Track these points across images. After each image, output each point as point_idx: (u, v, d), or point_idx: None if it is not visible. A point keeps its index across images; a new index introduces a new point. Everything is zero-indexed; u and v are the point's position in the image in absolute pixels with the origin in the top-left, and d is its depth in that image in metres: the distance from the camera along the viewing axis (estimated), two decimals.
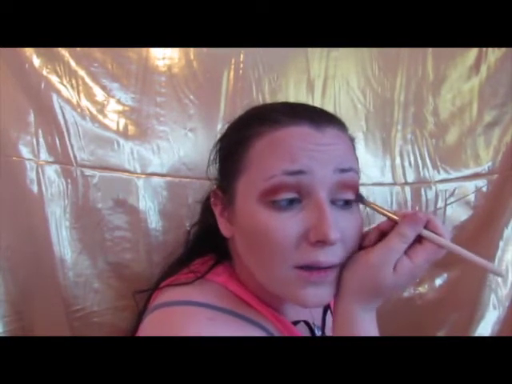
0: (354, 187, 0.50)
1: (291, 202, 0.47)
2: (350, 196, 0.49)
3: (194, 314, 0.49)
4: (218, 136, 0.61)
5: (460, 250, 0.48)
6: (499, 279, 0.90)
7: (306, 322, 0.59)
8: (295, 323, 0.57)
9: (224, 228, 0.55)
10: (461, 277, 0.91)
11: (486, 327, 0.89)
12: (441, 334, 0.91)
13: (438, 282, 0.91)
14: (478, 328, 0.89)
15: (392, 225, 0.50)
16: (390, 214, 0.51)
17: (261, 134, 0.49)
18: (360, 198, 0.52)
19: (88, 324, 0.78)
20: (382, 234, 0.51)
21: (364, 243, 0.51)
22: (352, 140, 0.55)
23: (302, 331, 0.58)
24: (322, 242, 0.45)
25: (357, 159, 0.54)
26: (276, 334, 0.54)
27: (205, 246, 0.62)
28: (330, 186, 0.47)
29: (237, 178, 0.51)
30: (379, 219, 0.87)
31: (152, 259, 0.79)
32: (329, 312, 0.64)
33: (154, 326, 0.51)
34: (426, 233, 0.48)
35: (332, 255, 0.47)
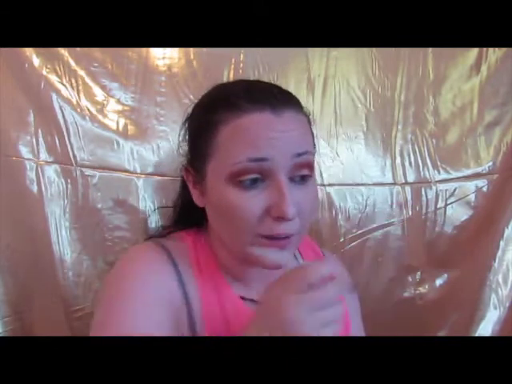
0: (310, 165, 0.56)
1: (255, 181, 0.53)
2: (306, 172, 0.55)
3: (144, 247, 0.60)
4: (186, 115, 0.64)
5: None
6: (500, 279, 0.90)
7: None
8: (245, 299, 0.60)
9: (197, 199, 0.61)
10: (461, 277, 0.91)
11: (486, 327, 0.89)
12: (441, 333, 0.91)
13: (439, 281, 0.91)
14: (478, 328, 0.89)
15: None
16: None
17: (226, 120, 0.54)
18: None
19: (88, 324, 0.77)
20: None
21: None
22: (307, 116, 0.60)
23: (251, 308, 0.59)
24: (282, 218, 0.52)
25: (312, 134, 0.59)
26: (194, 293, 0.57)
27: (187, 218, 0.67)
28: (289, 168, 0.53)
29: (206, 160, 0.56)
30: (379, 219, 0.88)
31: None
32: None
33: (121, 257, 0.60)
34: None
35: (290, 227, 0.53)
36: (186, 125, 0.64)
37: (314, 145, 0.60)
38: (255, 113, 0.53)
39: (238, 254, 0.58)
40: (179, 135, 0.66)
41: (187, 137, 0.64)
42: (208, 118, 0.57)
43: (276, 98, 0.55)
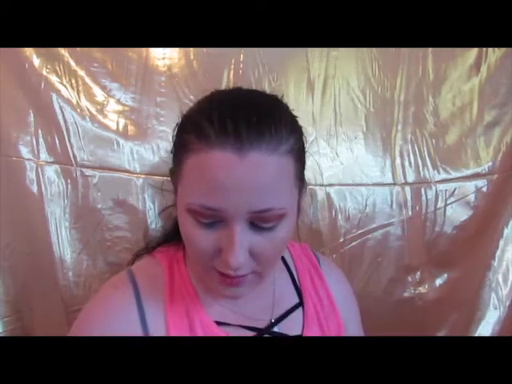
0: (277, 218, 0.50)
1: (211, 222, 0.50)
2: (269, 225, 0.50)
3: (116, 281, 0.60)
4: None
5: None
6: (500, 278, 0.90)
7: (252, 328, 0.60)
8: (220, 323, 0.58)
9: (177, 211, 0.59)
10: (461, 277, 0.91)
11: (486, 327, 0.89)
12: (441, 333, 0.91)
13: (438, 281, 0.91)
14: (478, 328, 0.89)
15: None
16: None
17: (193, 150, 0.50)
18: None
19: None
20: None
21: None
22: (291, 151, 0.51)
23: (233, 330, 0.58)
24: (228, 266, 0.50)
25: (297, 172, 0.52)
26: (159, 326, 0.56)
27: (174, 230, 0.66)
28: (246, 218, 0.49)
29: (176, 179, 0.55)
30: (379, 219, 0.88)
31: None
32: (301, 311, 0.63)
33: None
34: None
35: (242, 270, 0.51)
36: (175, 131, 0.59)
37: (303, 178, 0.55)
38: (218, 150, 0.48)
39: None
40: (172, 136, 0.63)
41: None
42: (182, 138, 0.53)
43: (246, 132, 0.48)
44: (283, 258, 0.67)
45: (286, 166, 0.51)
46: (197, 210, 0.49)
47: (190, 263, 0.60)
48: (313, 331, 0.62)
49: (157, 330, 0.55)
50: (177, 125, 0.59)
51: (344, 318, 0.66)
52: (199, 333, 0.56)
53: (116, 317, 0.56)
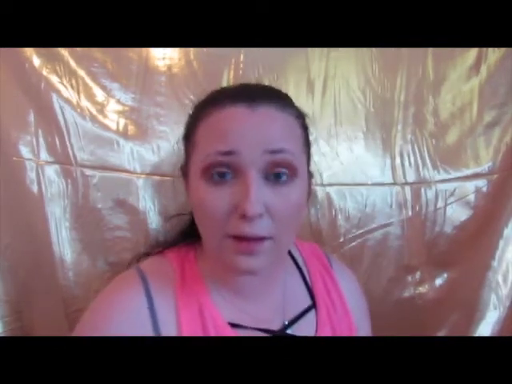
0: (288, 165, 0.52)
1: (224, 176, 0.51)
2: (282, 171, 0.52)
3: (123, 279, 0.58)
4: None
5: None
6: (499, 279, 0.90)
7: (265, 330, 0.58)
8: (233, 325, 0.56)
9: (188, 201, 0.59)
10: (461, 277, 0.91)
11: (486, 327, 0.89)
12: (441, 334, 0.91)
13: (438, 281, 0.91)
14: (478, 328, 0.89)
15: None
16: None
17: (204, 116, 0.54)
18: None
19: None
20: None
21: None
22: (299, 118, 0.57)
23: (243, 331, 0.57)
24: (244, 217, 0.49)
25: (303, 139, 0.57)
26: (165, 317, 0.54)
27: (187, 231, 0.65)
28: (261, 165, 0.51)
29: (189, 157, 0.56)
30: (379, 219, 0.88)
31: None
32: (313, 313, 0.62)
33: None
34: None
35: (258, 228, 0.50)
36: (186, 123, 0.63)
37: (309, 150, 0.58)
38: (230, 107, 0.52)
39: (216, 261, 0.56)
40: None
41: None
42: (191, 117, 0.58)
43: (256, 93, 0.54)
44: (293, 258, 0.66)
45: (293, 126, 0.55)
46: (212, 160, 0.51)
47: (204, 245, 0.58)
48: (326, 334, 0.60)
49: (168, 328, 0.54)
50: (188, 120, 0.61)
51: (356, 323, 0.65)
52: (212, 333, 0.55)
53: (125, 314, 0.54)
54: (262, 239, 0.51)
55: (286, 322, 0.60)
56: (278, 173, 0.52)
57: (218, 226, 0.51)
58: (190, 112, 0.62)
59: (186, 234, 0.66)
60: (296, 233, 0.57)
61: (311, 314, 0.62)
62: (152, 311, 0.54)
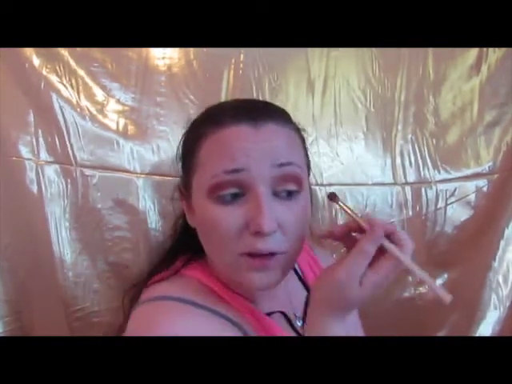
0: (296, 179, 0.53)
1: (234, 196, 0.51)
2: (291, 187, 0.53)
3: (170, 309, 0.54)
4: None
5: (414, 269, 0.49)
6: (500, 279, 0.90)
7: (283, 313, 0.61)
8: (270, 314, 0.59)
9: (190, 220, 0.59)
10: (461, 277, 0.91)
11: (486, 327, 0.89)
12: (441, 334, 0.91)
13: (438, 282, 0.91)
14: (478, 328, 0.89)
15: (359, 227, 0.52)
16: (359, 220, 0.52)
17: (207, 135, 0.54)
18: (332, 197, 0.55)
19: (88, 324, 0.78)
20: (350, 230, 0.54)
21: (330, 236, 0.55)
22: (299, 132, 0.58)
23: (279, 322, 0.60)
24: (259, 233, 0.50)
25: (304, 151, 0.58)
26: (248, 328, 0.56)
27: (186, 242, 0.65)
28: (270, 180, 0.51)
29: (191, 175, 0.56)
30: (379, 218, 0.88)
31: (152, 259, 0.78)
32: None
33: (134, 321, 0.55)
34: (386, 245, 0.49)
35: (271, 243, 0.51)
36: (180, 144, 0.63)
37: (309, 161, 0.59)
38: (233, 126, 0.52)
39: (230, 278, 0.56)
40: (175, 157, 0.65)
41: (179, 156, 0.63)
42: (193, 134, 0.57)
43: (257, 111, 0.54)
44: None
45: (296, 140, 0.56)
46: (220, 180, 0.51)
47: (217, 267, 0.58)
48: None
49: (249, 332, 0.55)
50: (182, 137, 0.62)
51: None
52: (260, 326, 0.56)
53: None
54: (274, 254, 0.52)
55: (297, 315, 0.63)
56: (286, 189, 0.52)
57: (231, 245, 0.51)
58: (184, 133, 0.62)
59: (182, 243, 0.67)
60: (303, 244, 0.58)
61: None
62: (228, 319, 0.54)
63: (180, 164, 0.62)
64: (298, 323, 0.62)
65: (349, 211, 0.53)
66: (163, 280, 0.60)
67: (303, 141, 0.59)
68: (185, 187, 0.59)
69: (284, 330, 0.59)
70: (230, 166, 0.50)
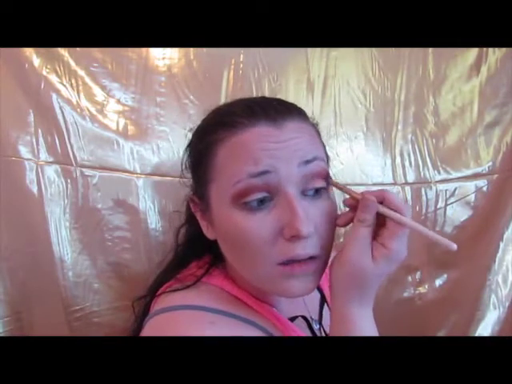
0: (323, 174, 0.51)
1: (262, 201, 0.48)
2: (319, 184, 0.50)
3: (194, 318, 0.50)
4: (187, 142, 0.61)
5: (414, 225, 0.49)
6: (499, 279, 0.90)
7: (304, 317, 0.60)
8: (292, 319, 0.58)
9: (207, 231, 0.56)
10: (461, 277, 0.91)
11: (486, 327, 0.89)
12: (441, 334, 0.91)
13: (438, 282, 0.91)
14: (478, 328, 0.89)
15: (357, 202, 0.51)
16: (351, 193, 0.51)
17: (222, 140, 0.50)
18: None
19: (88, 324, 0.78)
20: (351, 206, 0.52)
21: (340, 223, 0.53)
22: (315, 126, 0.56)
23: (301, 326, 0.59)
24: (297, 237, 0.47)
25: (322, 144, 0.56)
26: (275, 333, 0.54)
27: (199, 247, 0.62)
28: (298, 180, 0.48)
29: (208, 185, 0.52)
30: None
31: (152, 259, 0.78)
32: (326, 305, 0.65)
33: (154, 331, 0.51)
34: (381, 209, 0.49)
35: (309, 247, 0.48)
36: (188, 152, 0.60)
37: (327, 156, 0.56)
38: (252, 127, 0.49)
39: (261, 288, 0.54)
40: (181, 163, 0.61)
41: (189, 164, 0.60)
42: (205, 140, 0.53)
43: (274, 109, 0.51)
44: None
45: (316, 135, 0.54)
46: (245, 185, 0.47)
47: (246, 276, 0.54)
48: None
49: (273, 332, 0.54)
50: (187, 147, 0.60)
51: None
52: (286, 332, 0.55)
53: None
54: (313, 258, 0.49)
55: (313, 317, 0.62)
56: (314, 186, 0.50)
57: (265, 254, 0.48)
58: (190, 138, 0.59)
59: (194, 248, 0.64)
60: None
61: (326, 308, 0.65)
62: (258, 326, 0.52)
63: (191, 174, 0.59)
64: (315, 326, 0.61)
65: (341, 186, 0.53)
66: (180, 289, 0.56)
67: (319, 134, 0.57)
68: (200, 198, 0.55)
69: (307, 335, 0.59)
70: (256, 169, 0.47)
